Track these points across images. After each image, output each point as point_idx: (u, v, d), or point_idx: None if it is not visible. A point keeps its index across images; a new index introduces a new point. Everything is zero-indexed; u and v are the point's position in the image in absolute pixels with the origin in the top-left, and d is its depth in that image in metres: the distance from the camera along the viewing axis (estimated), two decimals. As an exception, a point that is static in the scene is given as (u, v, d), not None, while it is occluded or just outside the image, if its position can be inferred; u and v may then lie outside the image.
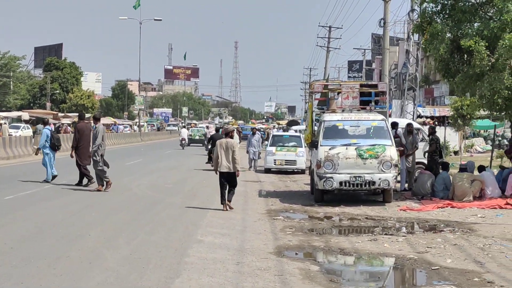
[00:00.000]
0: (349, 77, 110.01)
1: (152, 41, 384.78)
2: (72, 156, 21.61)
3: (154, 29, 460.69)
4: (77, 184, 21.65)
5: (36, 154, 23.62)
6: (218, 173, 17.03)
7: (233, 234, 13.43)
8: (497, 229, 14.31)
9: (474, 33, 19.00)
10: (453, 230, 14.31)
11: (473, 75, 19.21)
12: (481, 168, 20.42)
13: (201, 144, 58.00)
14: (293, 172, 31.63)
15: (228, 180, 17.01)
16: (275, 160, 31.59)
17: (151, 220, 14.99)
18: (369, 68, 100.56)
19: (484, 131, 51.31)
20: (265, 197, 20.86)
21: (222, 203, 17.00)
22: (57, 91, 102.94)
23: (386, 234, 13.75)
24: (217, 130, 35.68)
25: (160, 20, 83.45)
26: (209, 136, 39.79)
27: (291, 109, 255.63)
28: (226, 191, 17.06)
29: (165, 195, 20.30)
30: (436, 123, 43.60)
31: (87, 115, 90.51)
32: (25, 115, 70.01)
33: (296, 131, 46.52)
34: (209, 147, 32.54)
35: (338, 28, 77.80)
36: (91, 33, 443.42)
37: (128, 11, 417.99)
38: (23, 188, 20.61)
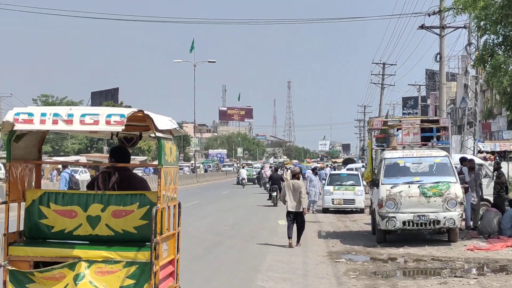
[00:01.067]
0: (403, 113, 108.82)
1: (206, 82, 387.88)
2: None
3: (208, 71, 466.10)
4: None
5: None
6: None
7: (295, 279, 12.92)
8: None
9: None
10: (527, 271, 13.58)
11: (539, 109, 18.54)
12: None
13: (252, 183, 64.10)
14: (351, 212, 30.96)
15: (296, 219, 17.97)
16: (333, 199, 30.95)
17: (210, 265, 14.59)
18: (424, 104, 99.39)
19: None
20: (325, 238, 20.30)
21: (288, 238, 17.74)
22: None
23: (455, 276, 13.10)
24: (275, 169, 40.21)
25: (214, 62, 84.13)
26: (264, 175, 48.00)
27: (346, 147, 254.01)
28: (294, 229, 17.96)
29: (223, 238, 19.92)
30: (498, 158, 42.63)
31: (144, 158, 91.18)
32: (82, 159, 70.56)
33: (353, 169, 45.95)
34: (268, 186, 36.41)
35: (392, 64, 77.02)
36: (146, 77, 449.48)
37: (181, 54, 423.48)
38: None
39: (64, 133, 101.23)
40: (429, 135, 20.37)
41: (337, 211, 30.90)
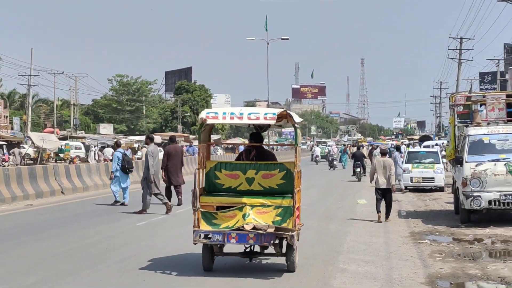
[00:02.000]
0: (481, 89, 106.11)
1: (279, 61, 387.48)
2: (163, 178, 21.80)
3: (281, 49, 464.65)
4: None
5: (110, 178, 23.16)
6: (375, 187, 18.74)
7: (378, 261, 12.37)
8: None
9: None
10: None
11: None
12: None
13: (325, 160, 64.04)
14: (431, 190, 30.15)
15: (384, 195, 18.58)
16: (411, 177, 30.16)
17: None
18: (503, 79, 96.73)
19: None
20: (406, 218, 19.67)
21: (378, 212, 18.56)
22: (188, 114, 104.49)
23: (550, 259, 12.35)
24: (358, 148, 46.49)
25: (287, 39, 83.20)
26: (332, 152, 56.47)
27: (421, 124, 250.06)
28: (382, 204, 18.62)
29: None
30: None
31: (217, 136, 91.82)
32: (157, 138, 71.14)
33: (431, 146, 44.91)
34: (353, 162, 40.06)
35: (470, 39, 75.15)
36: (219, 56, 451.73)
37: (255, 31, 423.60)
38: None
39: (138, 113, 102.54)
40: (515, 111, 19.45)
41: (416, 190, 30.13)
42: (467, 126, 19.33)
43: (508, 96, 19.75)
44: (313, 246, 14.07)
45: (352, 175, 39.48)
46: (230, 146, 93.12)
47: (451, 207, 21.30)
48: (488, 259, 12.95)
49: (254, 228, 10.78)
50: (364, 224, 18.10)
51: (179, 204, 21.87)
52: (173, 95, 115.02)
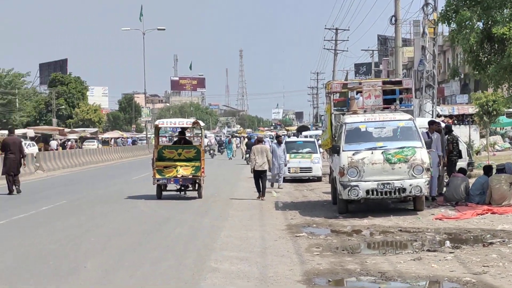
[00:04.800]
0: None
1: (157, 52, 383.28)
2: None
3: (159, 41, 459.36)
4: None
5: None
6: (253, 171, 22.13)
7: (252, 258, 11.56)
8: (555, 238, 12.47)
9: (507, 19, 17.17)
10: (504, 241, 12.46)
11: (507, 66, 17.40)
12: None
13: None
14: (308, 180, 29.81)
15: (261, 176, 21.80)
16: (289, 168, 29.60)
17: (159, 244, 13.18)
18: (377, 70, 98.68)
19: (500, 129, 49.32)
20: (283, 210, 19.04)
21: (259, 194, 21.94)
22: (63, 107, 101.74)
23: (429, 250, 11.88)
24: (249, 138, 50.69)
25: (164, 29, 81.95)
26: (209, 143, 63.95)
27: (299, 115, 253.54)
28: (260, 185, 21.86)
29: (174, 212, 18.53)
30: (456, 121, 41.80)
31: (94, 129, 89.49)
32: (30, 132, 68.51)
33: (307, 136, 44.83)
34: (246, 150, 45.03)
35: (345, 30, 75.86)
36: (95, 47, 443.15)
37: (131, 22, 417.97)
38: (17, 211, 18.82)
39: (11, 106, 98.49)
40: (391, 98, 19.13)
41: (294, 180, 29.73)
42: (343, 114, 18.86)
43: (384, 83, 19.46)
44: (186, 243, 13.20)
45: (244, 159, 45.78)
46: (106, 139, 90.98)
47: (329, 197, 20.82)
48: (367, 252, 12.41)
49: (182, 176, 21.76)
50: (240, 217, 17.33)
51: (18, 192, 23.93)
52: (47, 88, 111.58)
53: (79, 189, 26.85)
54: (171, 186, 22.49)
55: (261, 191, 21.82)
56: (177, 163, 21.89)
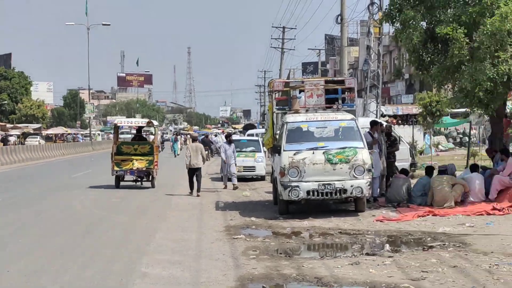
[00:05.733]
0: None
1: (104, 48, 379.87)
2: None
3: (106, 36, 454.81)
4: None
5: None
6: (187, 168, 22.39)
7: (186, 262, 11.11)
8: (494, 242, 12.26)
9: (450, 19, 16.99)
10: (444, 245, 12.22)
11: (450, 66, 17.23)
12: (474, 168, 18.40)
13: None
14: (251, 179, 29.44)
15: (196, 174, 22.31)
16: (232, 166, 29.16)
17: (89, 247, 12.65)
18: (324, 69, 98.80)
19: (444, 129, 49.69)
20: (223, 210, 18.60)
21: (190, 191, 22.46)
22: (6, 102, 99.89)
23: (368, 254, 11.56)
24: (207, 136, 55.45)
25: (109, 25, 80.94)
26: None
27: (247, 113, 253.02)
28: (195, 183, 22.32)
29: (110, 213, 17.98)
30: (400, 122, 41.84)
31: (37, 125, 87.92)
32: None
33: (253, 135, 44.46)
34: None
35: (292, 28, 75.85)
36: (40, 42, 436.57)
37: (76, 16, 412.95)
38: None
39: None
40: (334, 97, 18.84)
41: (237, 179, 29.28)
42: (285, 113, 18.51)
43: (326, 82, 19.16)
44: (117, 247, 12.66)
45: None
46: (50, 135, 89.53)
47: (271, 196, 20.45)
48: (305, 255, 12.05)
49: (137, 168, 24.68)
50: (178, 218, 16.87)
51: None
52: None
53: (15, 186, 26.08)
54: (128, 177, 25.50)
55: (193, 188, 22.39)
56: (133, 157, 24.92)
